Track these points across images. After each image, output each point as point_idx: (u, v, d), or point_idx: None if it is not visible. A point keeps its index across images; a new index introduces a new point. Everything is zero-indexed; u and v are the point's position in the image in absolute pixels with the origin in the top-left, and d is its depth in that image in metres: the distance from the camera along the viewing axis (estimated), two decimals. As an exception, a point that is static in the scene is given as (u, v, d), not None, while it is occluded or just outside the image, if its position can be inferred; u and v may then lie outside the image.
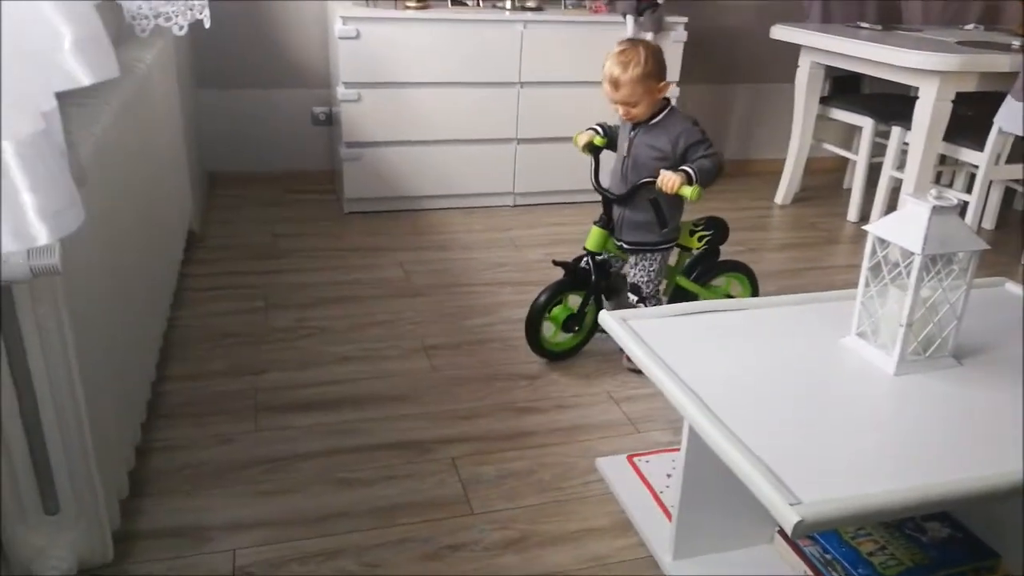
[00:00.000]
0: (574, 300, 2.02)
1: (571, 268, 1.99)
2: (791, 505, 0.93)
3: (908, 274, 1.21)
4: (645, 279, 1.99)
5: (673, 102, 1.95)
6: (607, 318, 1.40)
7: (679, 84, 3.20)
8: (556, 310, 2.00)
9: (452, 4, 3.04)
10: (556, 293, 1.99)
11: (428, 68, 2.90)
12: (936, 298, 1.23)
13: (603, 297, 2.05)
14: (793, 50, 3.26)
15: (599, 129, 2.04)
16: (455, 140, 3.04)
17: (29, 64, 0.58)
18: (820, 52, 3.14)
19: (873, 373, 1.26)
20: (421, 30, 2.88)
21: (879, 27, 3.31)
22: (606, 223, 1.98)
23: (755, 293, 2.19)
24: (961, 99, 2.78)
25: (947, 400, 1.19)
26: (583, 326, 2.04)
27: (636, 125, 1.92)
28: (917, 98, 2.84)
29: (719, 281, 2.16)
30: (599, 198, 1.98)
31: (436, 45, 2.90)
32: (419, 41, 2.87)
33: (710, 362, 1.27)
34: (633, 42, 1.87)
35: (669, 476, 1.60)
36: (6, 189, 0.56)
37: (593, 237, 1.98)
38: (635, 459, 1.66)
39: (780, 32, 3.24)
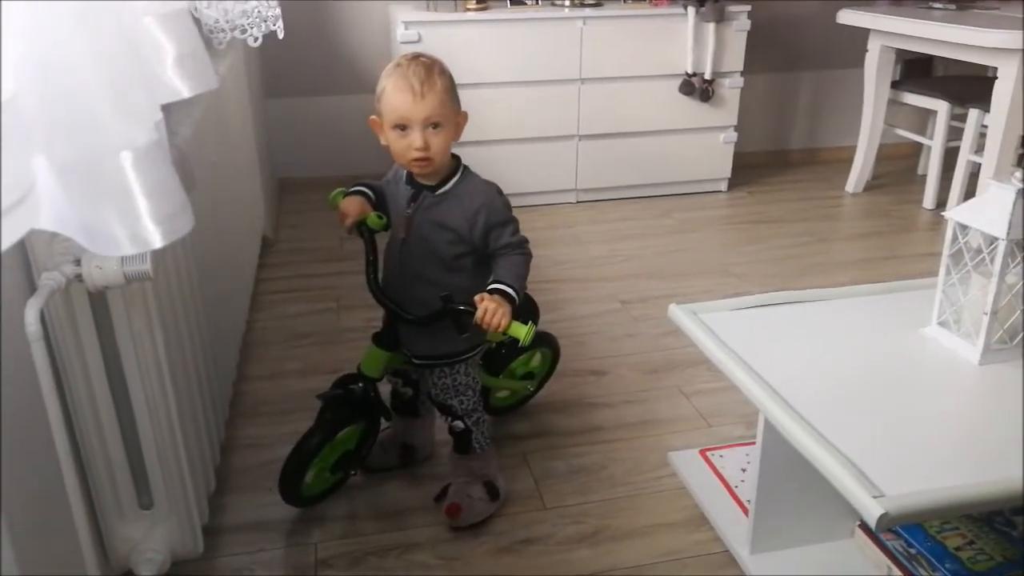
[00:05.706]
0: (350, 433, 1.50)
1: (340, 401, 1.48)
2: (874, 498, 0.92)
3: (992, 260, 1.17)
4: (454, 395, 1.49)
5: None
6: (676, 311, 1.40)
7: (743, 75, 3.15)
8: (326, 450, 1.48)
9: (511, 4, 3.06)
10: (330, 435, 1.46)
11: (489, 68, 2.92)
12: (1022, 284, 1.19)
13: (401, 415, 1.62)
14: (860, 34, 3.17)
15: (369, 192, 1.46)
16: (517, 139, 3.06)
17: (140, 78, 0.61)
18: (891, 35, 3.04)
19: (956, 363, 1.22)
20: (481, 31, 2.90)
21: (953, 6, 3.19)
22: (390, 342, 1.46)
23: (555, 361, 1.83)
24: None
25: (1037, 390, 1.15)
26: (357, 462, 1.56)
27: (418, 192, 1.39)
28: (996, 79, 2.73)
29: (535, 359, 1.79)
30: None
31: (496, 45, 2.92)
32: (480, 42, 2.90)
33: (785, 354, 1.25)
34: (416, 54, 1.33)
35: (744, 470, 1.58)
36: (124, 196, 0.60)
37: (371, 359, 1.47)
38: (708, 453, 1.65)
39: (848, 17, 3.15)
